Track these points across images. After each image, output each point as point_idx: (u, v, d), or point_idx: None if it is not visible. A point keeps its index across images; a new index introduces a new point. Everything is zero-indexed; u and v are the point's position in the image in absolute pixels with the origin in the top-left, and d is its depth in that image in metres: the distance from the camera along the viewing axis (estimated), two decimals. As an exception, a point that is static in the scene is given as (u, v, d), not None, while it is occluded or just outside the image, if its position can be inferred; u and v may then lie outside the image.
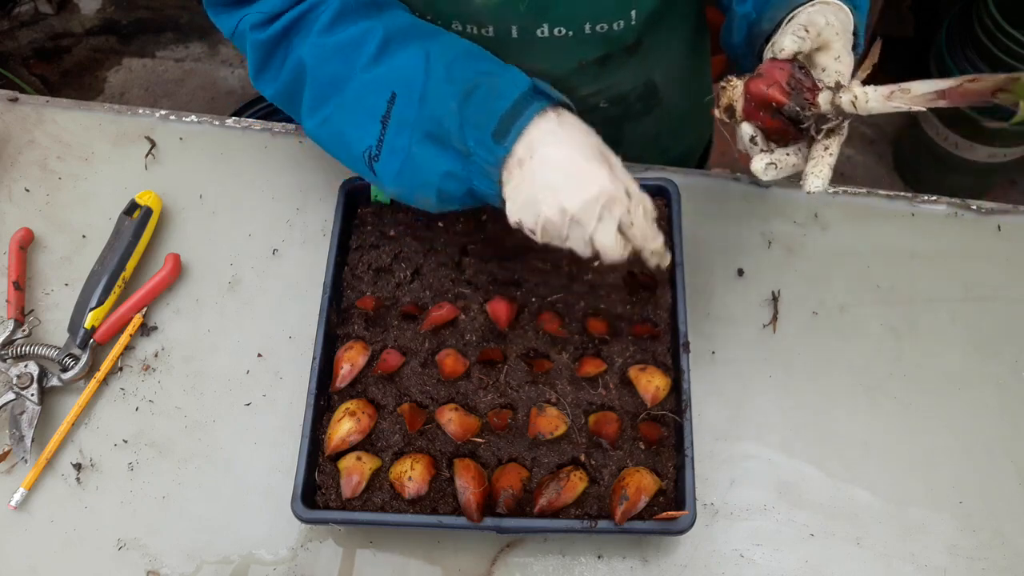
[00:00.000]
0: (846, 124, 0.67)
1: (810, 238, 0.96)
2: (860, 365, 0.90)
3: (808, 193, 0.67)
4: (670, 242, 0.88)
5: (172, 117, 1.06)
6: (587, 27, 0.84)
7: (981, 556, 0.81)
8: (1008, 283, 0.94)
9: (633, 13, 0.84)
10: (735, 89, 0.70)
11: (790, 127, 0.67)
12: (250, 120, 1.05)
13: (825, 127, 0.66)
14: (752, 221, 0.97)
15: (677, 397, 0.81)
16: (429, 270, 0.89)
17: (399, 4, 0.82)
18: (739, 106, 0.69)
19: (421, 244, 0.90)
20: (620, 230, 0.71)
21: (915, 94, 0.63)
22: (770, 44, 0.69)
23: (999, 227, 0.97)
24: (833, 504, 0.83)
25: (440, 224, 0.92)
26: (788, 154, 0.69)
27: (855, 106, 0.64)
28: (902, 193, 0.99)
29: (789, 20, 0.70)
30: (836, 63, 0.69)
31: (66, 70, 2.39)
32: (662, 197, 0.92)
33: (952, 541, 0.82)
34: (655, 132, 1.03)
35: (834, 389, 0.88)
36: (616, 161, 0.73)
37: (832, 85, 0.66)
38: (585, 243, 0.71)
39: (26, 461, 0.86)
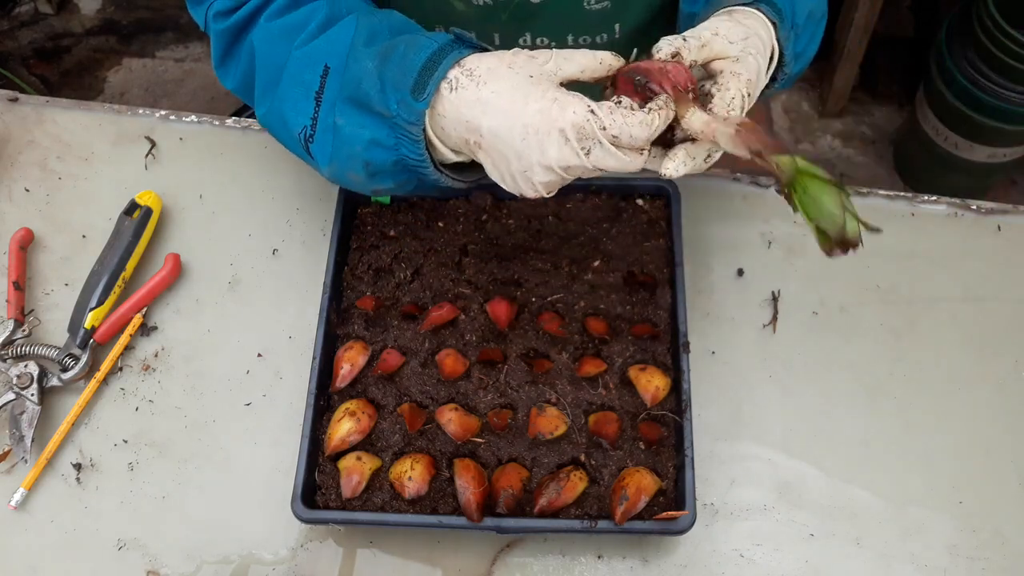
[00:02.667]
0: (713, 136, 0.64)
1: (810, 238, 0.95)
2: (860, 365, 0.90)
3: (663, 175, 0.65)
4: (669, 242, 0.89)
5: (172, 117, 1.06)
6: (570, 39, 0.84)
7: (981, 556, 0.81)
8: (1008, 283, 0.94)
9: (617, 27, 0.84)
10: None
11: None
12: (250, 120, 1.05)
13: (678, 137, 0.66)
14: (752, 221, 0.97)
15: (677, 397, 0.81)
16: (429, 270, 0.89)
17: None
18: None
19: (421, 244, 0.90)
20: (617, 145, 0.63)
21: (722, 144, 0.62)
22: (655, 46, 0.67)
23: (999, 227, 0.97)
24: (833, 504, 0.83)
25: (440, 224, 0.92)
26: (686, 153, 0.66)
27: (698, 135, 0.63)
28: (902, 193, 0.99)
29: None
30: (729, 67, 0.67)
31: (66, 70, 2.39)
32: (661, 197, 0.92)
33: (952, 541, 0.82)
34: None
35: (834, 389, 0.88)
36: (553, 66, 0.65)
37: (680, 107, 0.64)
38: (595, 172, 0.64)
39: (26, 461, 0.86)
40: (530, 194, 0.66)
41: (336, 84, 0.71)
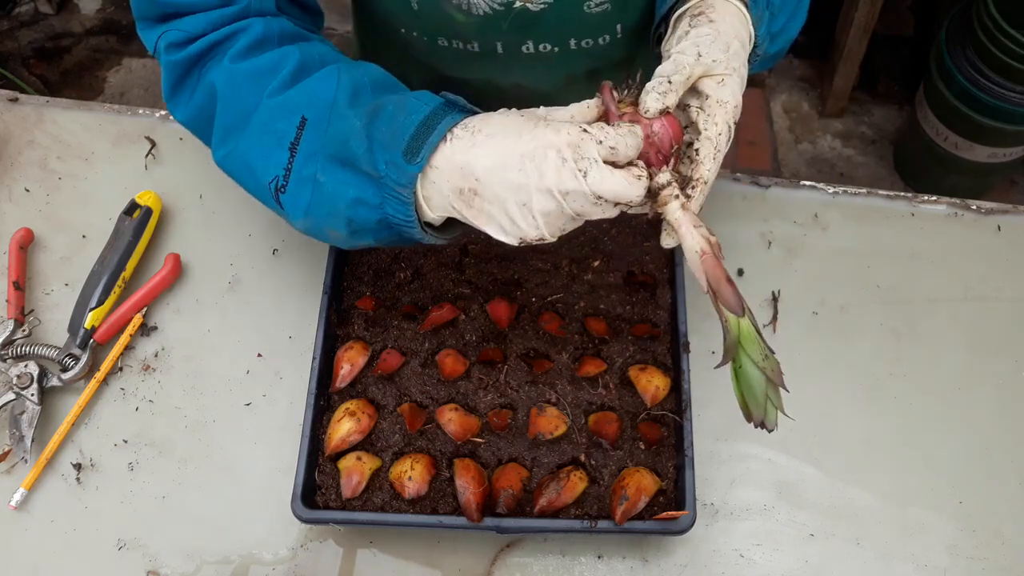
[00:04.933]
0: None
1: (810, 238, 0.96)
2: (860, 365, 0.90)
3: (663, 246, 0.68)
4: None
5: (172, 117, 1.05)
6: (572, 43, 0.84)
7: (981, 556, 0.81)
8: (1008, 283, 0.94)
9: (618, 27, 0.84)
10: None
11: None
12: (250, 120, 1.05)
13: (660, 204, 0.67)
14: (752, 221, 0.97)
15: (677, 397, 0.81)
16: (429, 270, 0.89)
17: (323, 38, 0.79)
18: None
19: (421, 244, 0.90)
20: (613, 164, 0.63)
21: (687, 250, 0.65)
22: (641, 96, 0.65)
23: (999, 227, 0.97)
24: (833, 504, 0.83)
25: (440, 224, 0.92)
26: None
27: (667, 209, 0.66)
28: (902, 193, 0.99)
29: (671, 35, 0.70)
30: (716, 92, 0.66)
31: (66, 70, 2.39)
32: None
33: (952, 541, 0.82)
34: None
35: (834, 389, 0.88)
36: (543, 112, 0.67)
37: (664, 182, 0.65)
38: (595, 204, 0.63)
39: (26, 461, 0.86)
40: (532, 234, 0.65)
41: (316, 138, 0.69)
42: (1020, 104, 1.73)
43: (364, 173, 0.67)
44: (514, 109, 0.67)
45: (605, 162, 0.62)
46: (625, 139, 0.62)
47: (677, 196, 0.64)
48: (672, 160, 0.65)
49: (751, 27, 0.71)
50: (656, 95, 0.64)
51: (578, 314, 0.86)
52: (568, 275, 0.88)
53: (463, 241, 0.90)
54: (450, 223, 0.71)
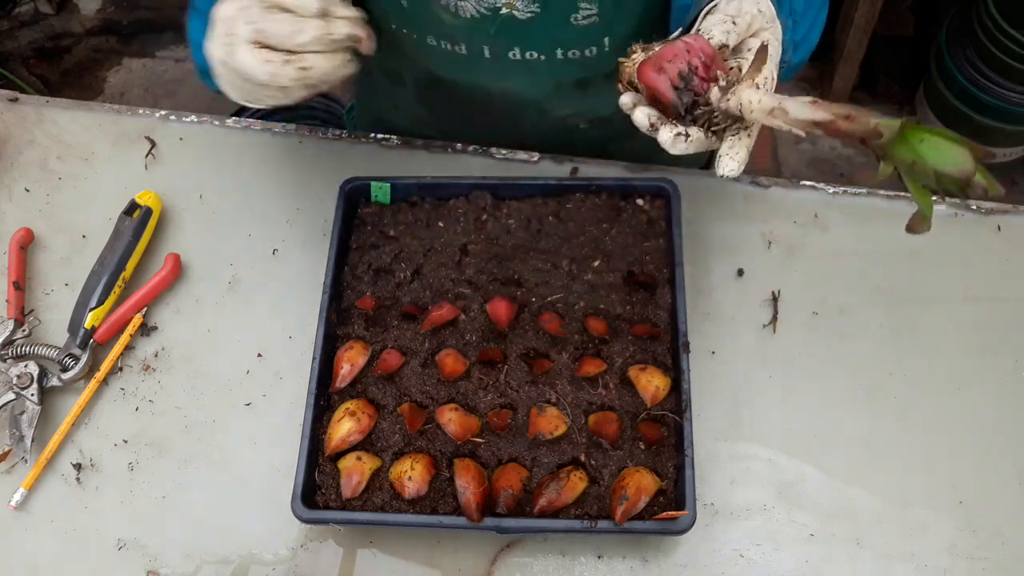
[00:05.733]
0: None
1: (810, 238, 0.96)
2: (860, 365, 0.89)
3: (721, 176, 0.61)
4: (669, 242, 0.89)
5: (172, 117, 1.06)
6: (559, 52, 0.84)
7: (981, 556, 0.81)
8: (1008, 283, 0.94)
9: (606, 40, 0.84)
10: (634, 65, 0.62)
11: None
12: (250, 120, 1.05)
13: (715, 128, 0.60)
14: (752, 221, 0.97)
15: (677, 397, 0.81)
16: (429, 270, 0.89)
17: None
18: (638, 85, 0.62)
19: (421, 244, 0.90)
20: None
21: (792, 117, 0.57)
22: (699, 20, 0.62)
23: (999, 227, 0.97)
24: (833, 504, 0.83)
25: (440, 224, 0.92)
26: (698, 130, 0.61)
27: (742, 111, 0.58)
28: (902, 193, 0.99)
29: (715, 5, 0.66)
30: (761, 36, 0.64)
31: (66, 70, 2.39)
32: (661, 197, 0.92)
33: (952, 541, 0.82)
34: (647, 152, 0.98)
35: (834, 389, 0.88)
36: None
37: (723, 84, 0.59)
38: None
39: (26, 461, 0.86)
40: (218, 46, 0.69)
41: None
42: (1020, 104, 1.74)
43: (200, 12, 0.76)
44: None
45: (256, 43, 0.66)
46: (280, 23, 0.65)
47: (752, 86, 0.57)
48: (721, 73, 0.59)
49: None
50: (722, 27, 0.60)
51: (578, 314, 0.86)
52: (568, 275, 0.88)
53: (463, 241, 0.90)
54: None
